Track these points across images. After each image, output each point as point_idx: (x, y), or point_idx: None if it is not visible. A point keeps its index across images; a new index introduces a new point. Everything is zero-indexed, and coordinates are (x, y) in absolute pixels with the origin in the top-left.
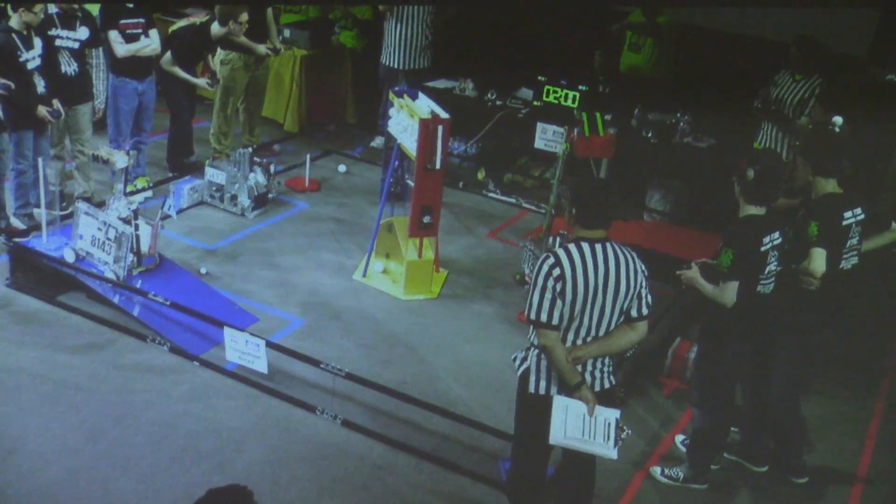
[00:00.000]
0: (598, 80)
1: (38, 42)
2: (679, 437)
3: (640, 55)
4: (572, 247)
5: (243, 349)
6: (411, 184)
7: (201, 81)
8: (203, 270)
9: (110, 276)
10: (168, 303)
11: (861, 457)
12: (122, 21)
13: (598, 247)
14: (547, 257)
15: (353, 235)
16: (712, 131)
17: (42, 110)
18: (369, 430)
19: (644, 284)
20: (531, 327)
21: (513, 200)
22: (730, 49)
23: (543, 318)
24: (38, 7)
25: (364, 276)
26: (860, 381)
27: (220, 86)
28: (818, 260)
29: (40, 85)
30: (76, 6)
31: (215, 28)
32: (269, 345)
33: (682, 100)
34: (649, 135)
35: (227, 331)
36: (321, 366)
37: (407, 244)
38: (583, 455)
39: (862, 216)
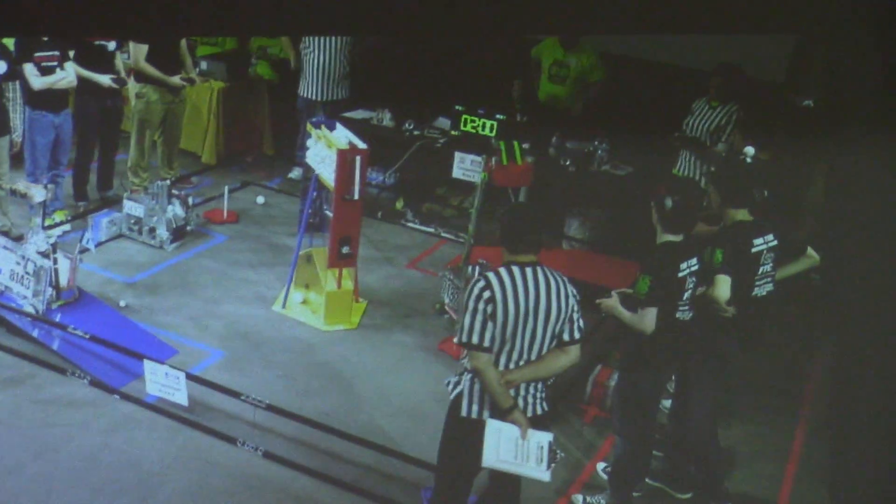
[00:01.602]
0: (516, 108)
1: None
2: (601, 465)
3: (561, 87)
4: (503, 270)
5: (163, 382)
6: (330, 214)
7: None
8: (122, 303)
9: (29, 309)
10: (87, 336)
11: (783, 483)
12: (38, 54)
13: (529, 270)
14: (478, 280)
15: (273, 266)
16: (630, 159)
17: None
18: (291, 462)
19: (576, 308)
20: (464, 351)
21: (431, 230)
22: (645, 76)
23: (475, 340)
24: None
25: (284, 307)
26: (781, 406)
27: (135, 119)
28: (722, 286)
29: None
30: None
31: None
32: (189, 377)
33: (599, 128)
34: (567, 163)
35: (147, 363)
36: (242, 397)
37: (326, 275)
38: (508, 483)
39: (774, 243)
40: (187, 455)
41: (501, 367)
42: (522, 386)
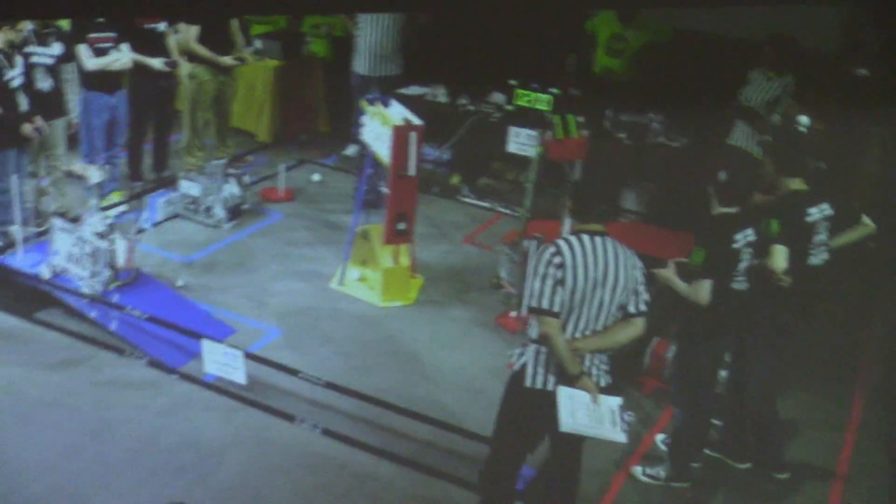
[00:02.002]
0: (570, 82)
1: (19, 60)
2: (660, 437)
3: (618, 60)
4: (573, 238)
5: (221, 361)
6: (386, 191)
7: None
8: (180, 283)
9: (87, 291)
10: (145, 316)
11: (842, 452)
12: (91, 35)
13: (598, 240)
14: (548, 246)
15: (329, 244)
16: (685, 131)
17: (27, 128)
18: (349, 439)
19: (641, 281)
20: (529, 320)
21: (487, 205)
22: (700, 48)
23: (545, 304)
24: (22, 25)
25: (341, 284)
26: (838, 376)
27: (187, 99)
28: (778, 256)
29: (23, 103)
30: (49, 22)
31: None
32: (247, 355)
33: (654, 100)
34: (622, 136)
35: (205, 343)
36: (299, 375)
37: (383, 251)
38: (569, 455)
39: (829, 212)
40: (245, 434)
41: (568, 336)
42: (587, 356)
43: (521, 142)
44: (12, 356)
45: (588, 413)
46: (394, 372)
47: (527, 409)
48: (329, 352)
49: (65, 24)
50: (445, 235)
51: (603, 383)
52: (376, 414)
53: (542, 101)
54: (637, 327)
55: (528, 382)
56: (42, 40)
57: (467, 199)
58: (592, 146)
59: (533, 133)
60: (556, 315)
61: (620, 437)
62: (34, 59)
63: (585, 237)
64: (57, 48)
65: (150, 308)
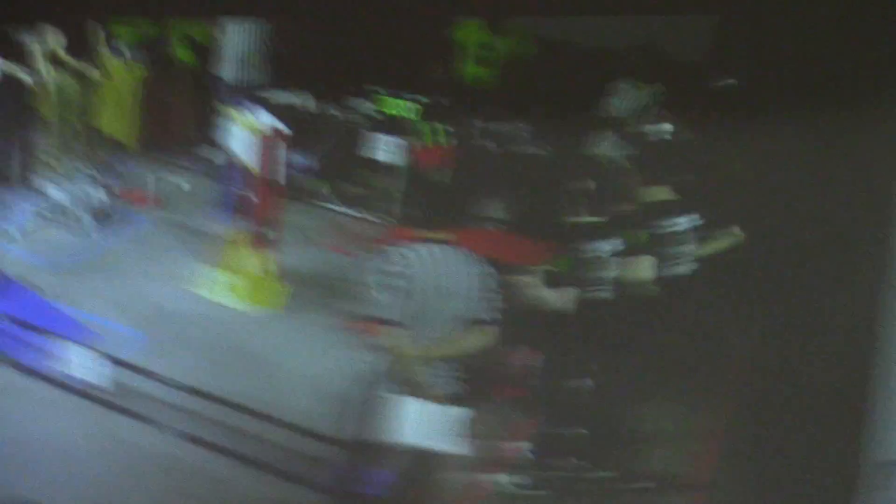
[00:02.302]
0: (438, 90)
1: None
2: (525, 444)
3: (486, 69)
4: (416, 246)
5: (83, 364)
6: (253, 198)
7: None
8: (45, 288)
9: None
10: (8, 319)
11: (705, 461)
12: None
13: (442, 248)
14: (389, 256)
15: (195, 249)
16: (553, 140)
17: None
18: (213, 445)
19: (491, 288)
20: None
21: (355, 213)
22: (567, 58)
23: (387, 315)
24: None
25: (208, 290)
26: (706, 385)
27: (55, 105)
28: (645, 266)
29: None
30: None
31: None
32: (111, 359)
33: (522, 109)
34: (490, 144)
35: (68, 345)
36: (162, 380)
37: (250, 258)
38: (423, 462)
39: (698, 221)
40: (107, 439)
41: (412, 344)
42: (435, 365)
43: (388, 149)
44: None
45: (429, 424)
46: (258, 378)
47: (376, 415)
48: (194, 357)
49: None
50: (313, 242)
51: (454, 389)
52: (239, 420)
53: (407, 108)
54: (486, 335)
55: (378, 390)
56: None
57: (335, 207)
58: (460, 154)
59: (401, 140)
60: (397, 325)
61: (461, 449)
62: None
63: (429, 245)
64: None
65: (14, 312)
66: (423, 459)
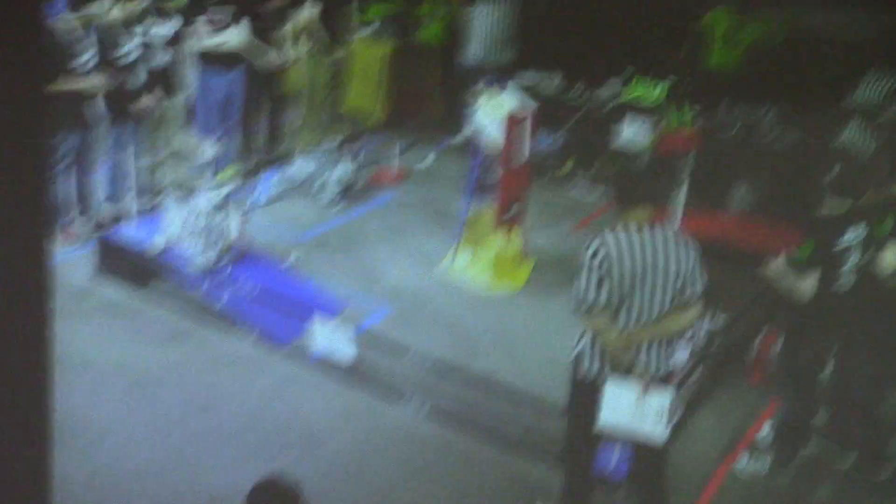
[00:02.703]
0: (684, 73)
1: (136, 34)
2: (765, 427)
3: (732, 55)
4: (617, 228)
5: (330, 337)
6: (498, 176)
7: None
8: (291, 259)
9: (198, 265)
10: (256, 292)
11: None
12: (207, 13)
13: (645, 228)
14: (591, 240)
15: (440, 226)
16: (799, 125)
17: (143, 102)
18: (455, 419)
19: (697, 266)
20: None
21: (599, 193)
22: (813, 47)
23: (590, 299)
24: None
25: (451, 266)
26: None
27: (305, 76)
28: (890, 255)
29: (139, 77)
30: None
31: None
32: (356, 333)
33: (767, 96)
34: (735, 129)
35: (315, 320)
36: (407, 355)
37: (493, 235)
38: (653, 452)
39: None
40: (351, 412)
41: (620, 326)
42: (644, 345)
43: (633, 130)
44: (122, 329)
45: (631, 409)
46: (500, 355)
47: (584, 397)
48: (438, 333)
49: (180, 1)
50: (556, 222)
51: (662, 370)
52: (482, 396)
53: (657, 91)
54: (693, 312)
55: (583, 371)
56: (160, 15)
57: (579, 187)
58: (704, 138)
59: (646, 122)
60: (602, 309)
61: (661, 436)
62: (151, 35)
63: (630, 226)
64: (174, 24)
65: (260, 283)
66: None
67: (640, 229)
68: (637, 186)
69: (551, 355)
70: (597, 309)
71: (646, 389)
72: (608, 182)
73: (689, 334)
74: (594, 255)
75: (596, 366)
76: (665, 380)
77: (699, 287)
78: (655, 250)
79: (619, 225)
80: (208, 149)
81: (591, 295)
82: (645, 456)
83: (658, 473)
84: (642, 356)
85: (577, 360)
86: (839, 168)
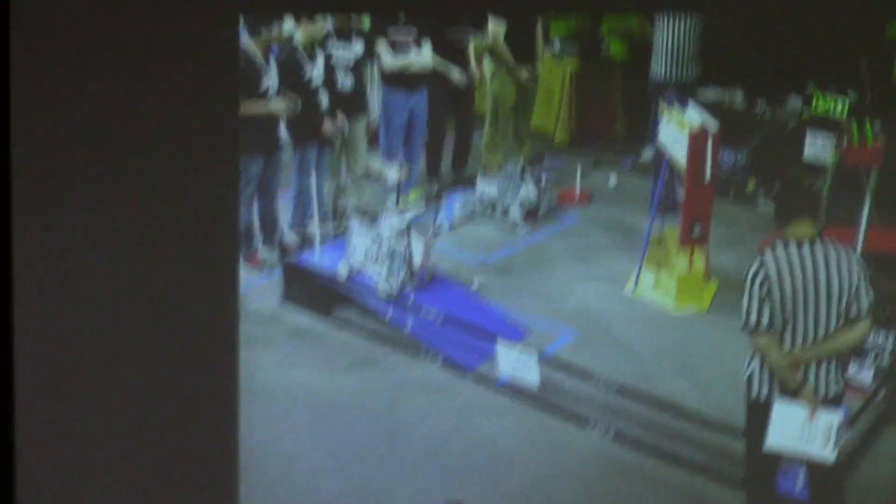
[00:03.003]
0: (866, 86)
1: (319, 57)
2: None
3: None
4: (778, 247)
5: (515, 362)
6: (682, 195)
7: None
8: (475, 284)
9: (383, 290)
10: (441, 317)
11: None
12: (391, 32)
13: (806, 245)
14: (752, 262)
15: (624, 248)
16: None
17: (328, 126)
18: (641, 443)
19: (863, 282)
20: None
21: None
22: None
23: (752, 321)
24: (321, 21)
25: (635, 288)
26: None
27: (489, 98)
28: None
29: (324, 101)
30: (350, 19)
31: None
32: (541, 358)
33: None
34: None
35: (500, 344)
36: (593, 379)
37: (678, 256)
38: (830, 473)
39: None
40: (537, 437)
41: (786, 347)
42: (813, 365)
43: (817, 148)
44: (308, 355)
45: (798, 429)
46: (686, 378)
47: (757, 419)
48: (622, 356)
49: (365, 21)
50: (741, 241)
51: (834, 390)
52: (669, 420)
53: (839, 106)
54: (860, 330)
55: (754, 392)
56: (342, 38)
57: (764, 205)
58: (890, 153)
59: (829, 139)
60: (766, 331)
61: (829, 458)
62: (335, 57)
63: (792, 245)
64: (358, 46)
65: (445, 308)
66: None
67: (800, 246)
68: (798, 201)
69: (734, 378)
70: (761, 330)
71: (814, 410)
72: (772, 199)
73: (871, 354)
74: (754, 277)
75: (766, 387)
76: (836, 400)
77: (865, 303)
78: (817, 267)
79: (779, 243)
80: (392, 173)
81: (754, 317)
82: (823, 477)
83: (837, 495)
84: (810, 376)
85: (749, 381)
86: None
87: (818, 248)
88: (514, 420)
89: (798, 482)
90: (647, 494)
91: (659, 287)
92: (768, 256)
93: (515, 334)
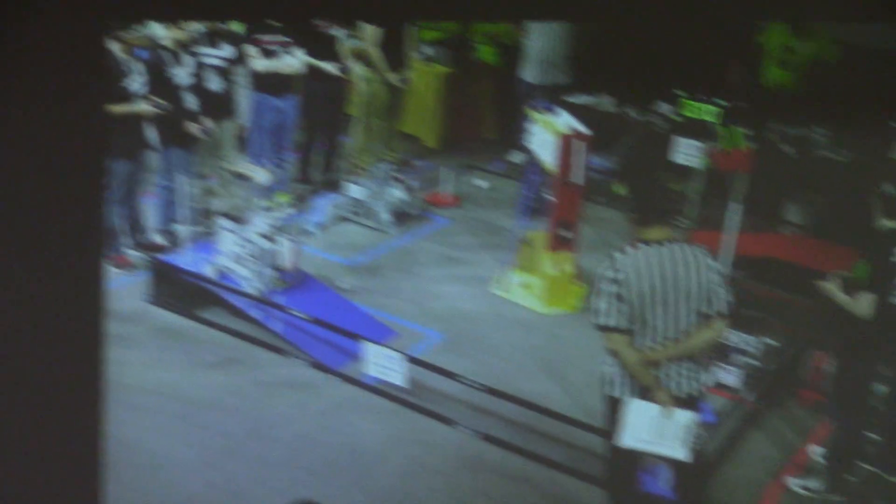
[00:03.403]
0: (735, 93)
1: (186, 59)
2: (817, 449)
3: (787, 73)
4: (630, 249)
5: (382, 364)
6: (551, 199)
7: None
8: (343, 286)
9: (250, 291)
10: (308, 318)
11: None
12: (262, 37)
13: (662, 247)
14: (606, 262)
15: (493, 250)
16: (851, 145)
17: (193, 128)
18: (508, 444)
19: (718, 282)
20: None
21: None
22: (867, 63)
23: (602, 321)
24: (190, 25)
25: (503, 290)
26: None
27: (359, 102)
28: None
29: (191, 102)
30: (219, 24)
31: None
32: (408, 359)
33: (821, 114)
34: (788, 148)
35: (366, 345)
36: (459, 379)
37: (546, 258)
38: (694, 472)
39: None
40: (404, 437)
41: (642, 346)
42: (669, 365)
43: (686, 152)
44: (174, 354)
45: (652, 428)
46: (554, 379)
47: (614, 417)
48: (489, 357)
49: (237, 26)
50: (609, 244)
51: (689, 390)
52: (535, 420)
53: (709, 112)
54: (716, 330)
55: (610, 391)
56: (211, 41)
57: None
58: (759, 158)
59: (699, 144)
60: (620, 331)
61: (681, 456)
62: (204, 60)
63: (645, 246)
64: (227, 50)
65: (312, 309)
66: (699, 461)
67: (657, 247)
68: (654, 204)
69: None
70: (614, 330)
71: (668, 410)
72: (628, 200)
73: (736, 356)
74: (608, 277)
75: (621, 386)
76: (693, 400)
77: (722, 304)
78: (675, 269)
79: (635, 244)
80: (261, 175)
81: (604, 318)
82: (688, 477)
83: (702, 495)
84: (665, 376)
85: (605, 380)
86: (892, 185)
87: (674, 249)
88: (380, 420)
89: (664, 481)
90: (513, 493)
91: (527, 289)
92: (622, 257)
93: (383, 335)
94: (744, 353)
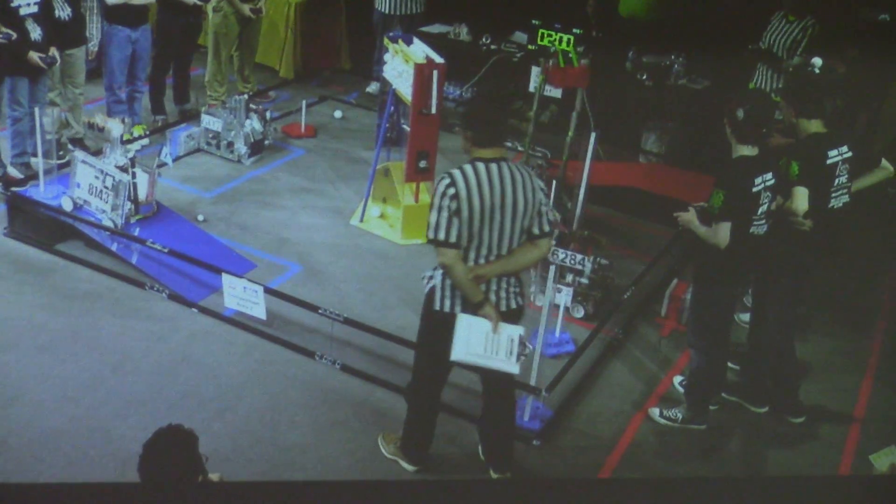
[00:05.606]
0: (591, 22)
1: None
2: (677, 379)
3: (641, 2)
4: (467, 167)
5: (241, 296)
6: (407, 128)
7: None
8: (200, 217)
9: (108, 224)
10: (166, 250)
11: (859, 396)
12: None
13: (494, 166)
14: (443, 178)
15: (350, 181)
16: (707, 73)
17: (34, 57)
18: (368, 375)
19: (544, 202)
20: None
21: (508, 144)
22: None
23: (441, 236)
24: None
25: (361, 221)
26: (857, 319)
27: (212, 33)
28: (799, 199)
29: (35, 31)
30: None
31: None
32: (267, 291)
33: (676, 42)
34: (644, 77)
35: (225, 277)
36: (319, 311)
37: (403, 189)
38: (502, 402)
39: (849, 154)
40: (265, 369)
41: (471, 263)
42: (494, 281)
43: (537, 80)
44: (33, 288)
45: (484, 342)
46: (413, 309)
47: (437, 331)
48: (349, 288)
49: None
50: None
51: (513, 305)
52: (395, 351)
53: (564, 41)
54: (542, 249)
55: (436, 306)
56: None
57: None
58: (613, 86)
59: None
60: (453, 246)
61: (513, 369)
62: None
63: (480, 164)
64: None
65: (170, 242)
66: (498, 402)
67: (488, 167)
68: (489, 127)
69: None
70: (449, 245)
71: (496, 324)
72: (464, 123)
73: (570, 277)
74: (444, 193)
75: (449, 301)
76: (516, 314)
77: (546, 224)
78: (503, 188)
79: (470, 163)
80: (116, 126)
81: (442, 233)
82: (495, 390)
83: (509, 412)
84: (492, 291)
85: (430, 294)
86: (743, 111)
87: (505, 169)
88: (240, 352)
89: (525, 413)
90: (373, 423)
91: (385, 219)
92: (458, 174)
93: (241, 267)
94: (576, 272)
